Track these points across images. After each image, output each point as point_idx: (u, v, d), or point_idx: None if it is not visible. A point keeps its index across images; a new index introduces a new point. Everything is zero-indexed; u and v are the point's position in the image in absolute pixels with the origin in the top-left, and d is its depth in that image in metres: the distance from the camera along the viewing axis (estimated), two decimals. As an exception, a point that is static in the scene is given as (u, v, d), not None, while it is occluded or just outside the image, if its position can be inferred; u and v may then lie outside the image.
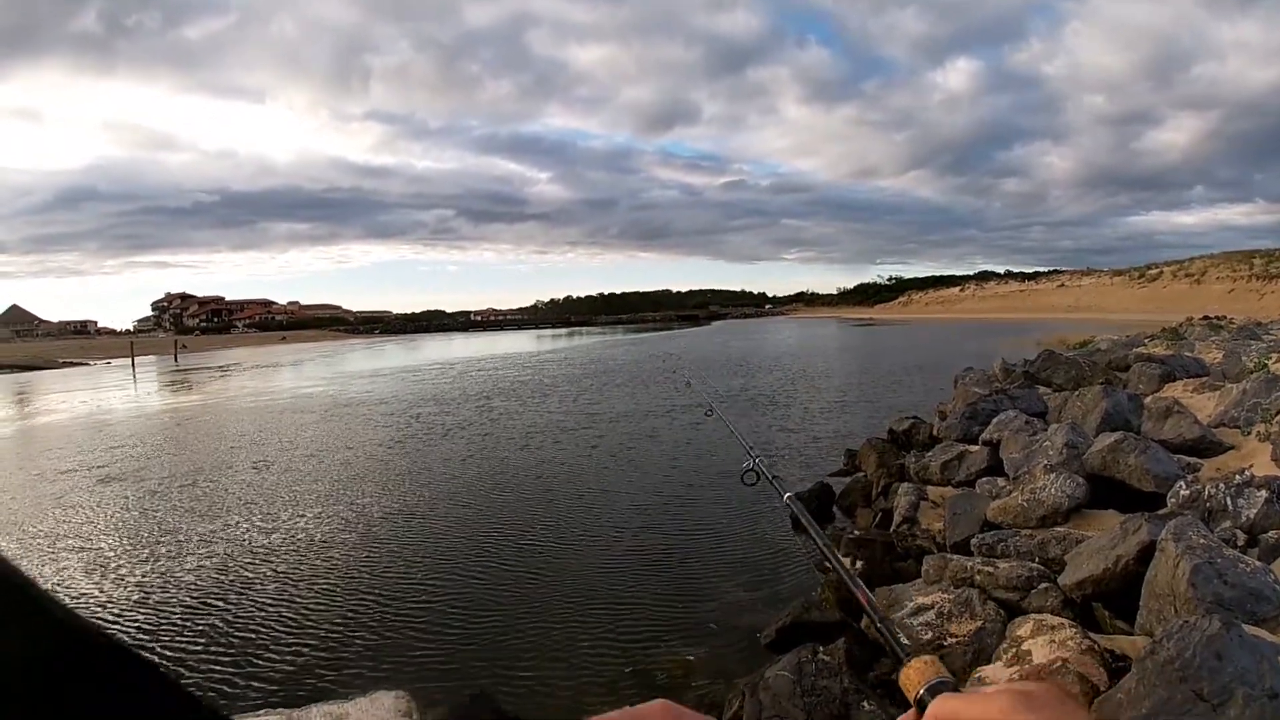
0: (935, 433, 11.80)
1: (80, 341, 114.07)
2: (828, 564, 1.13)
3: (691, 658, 6.34)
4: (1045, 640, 4.18)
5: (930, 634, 5.11)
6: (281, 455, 16.38)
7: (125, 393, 36.35)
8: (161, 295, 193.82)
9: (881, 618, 0.92)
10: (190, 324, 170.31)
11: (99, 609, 7.99)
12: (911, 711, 0.74)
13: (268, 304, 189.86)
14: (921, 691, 0.75)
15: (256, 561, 9.32)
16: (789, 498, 1.46)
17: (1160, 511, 5.76)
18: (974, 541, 6.58)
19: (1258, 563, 4.27)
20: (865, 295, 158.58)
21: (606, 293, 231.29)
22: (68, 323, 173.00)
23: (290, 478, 14.04)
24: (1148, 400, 9.30)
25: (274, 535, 10.36)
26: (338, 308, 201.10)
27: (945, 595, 5.42)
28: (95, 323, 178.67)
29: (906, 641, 0.85)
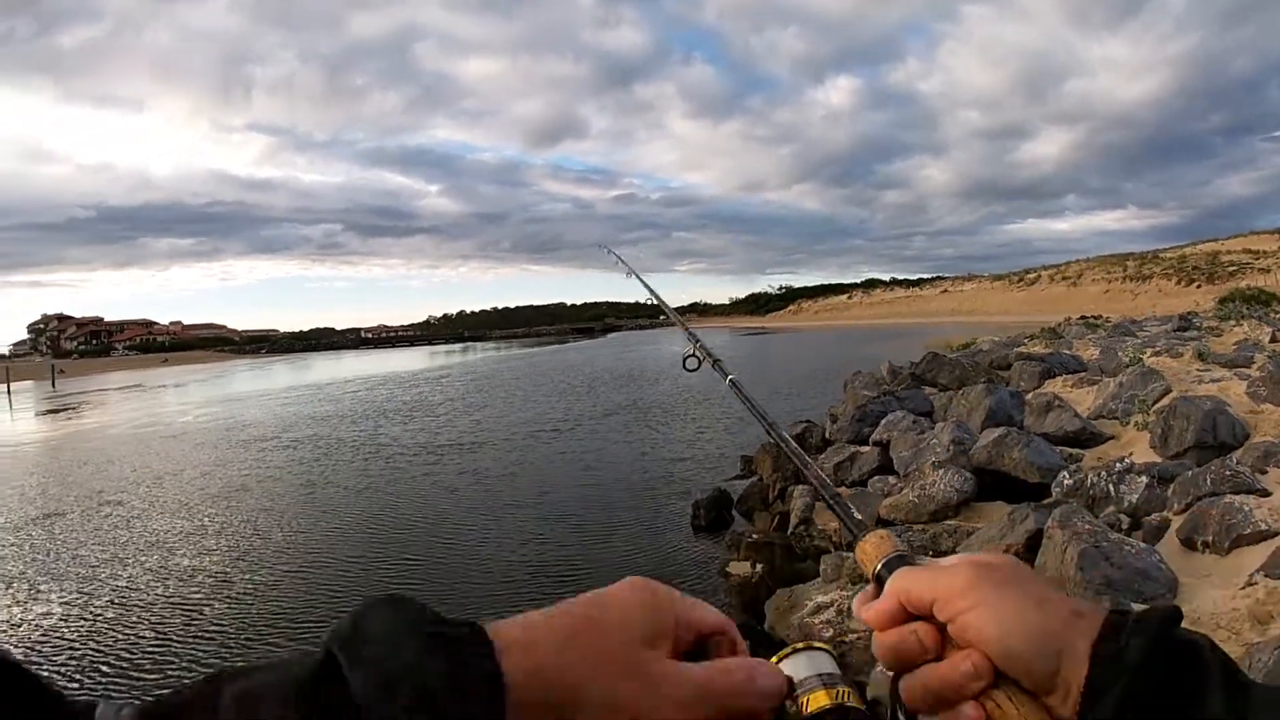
0: (827, 435, 11.92)
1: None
2: (771, 437, 1.04)
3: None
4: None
5: (831, 630, 5.10)
6: (166, 488, 15.73)
7: (1, 421, 34.59)
8: (37, 317, 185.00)
9: (833, 495, 0.86)
10: (68, 347, 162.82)
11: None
12: (870, 587, 0.70)
13: (149, 325, 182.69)
14: (879, 566, 0.71)
15: (152, 593, 8.89)
16: (730, 380, 1.41)
17: (1046, 501, 5.90)
18: (869, 539, 6.62)
19: (1142, 544, 4.38)
20: (757, 305, 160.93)
21: (501, 307, 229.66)
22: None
23: (176, 509, 13.49)
24: (1029, 396, 9.57)
25: (166, 568, 9.90)
26: (223, 327, 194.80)
27: (844, 593, 5.43)
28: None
29: (860, 518, 0.79)
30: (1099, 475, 5.90)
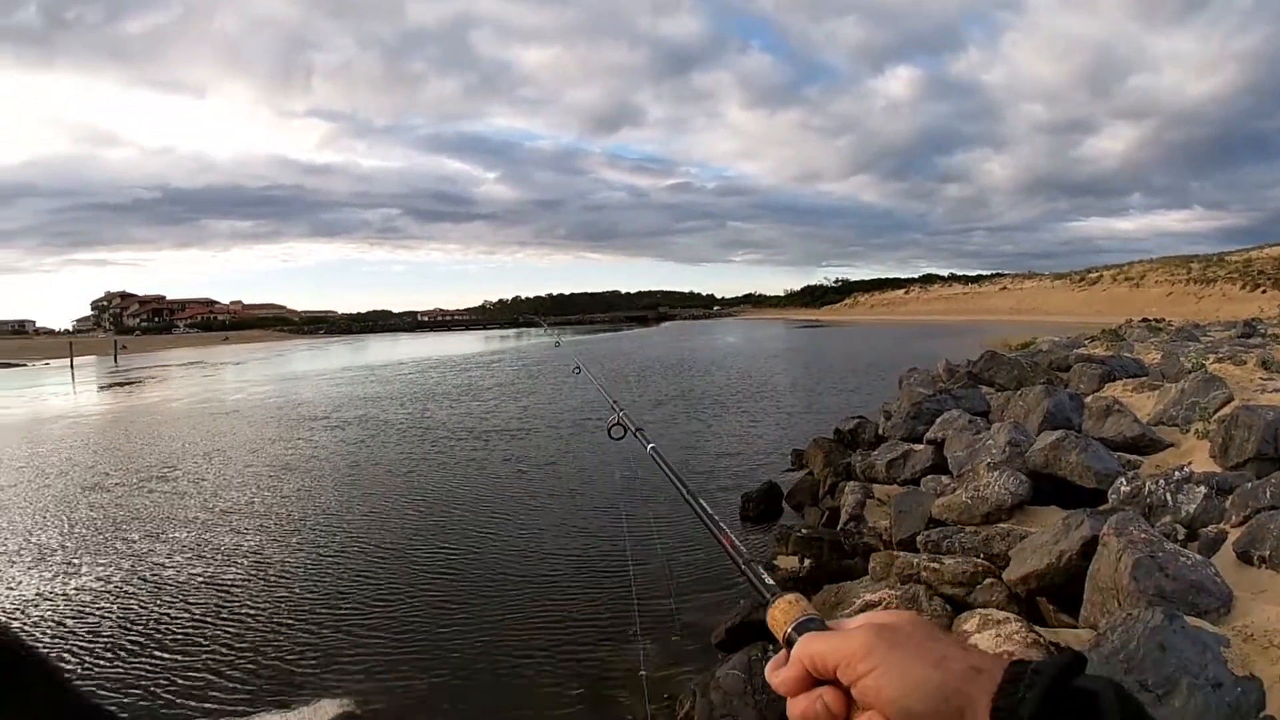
0: (881, 432, 11.87)
1: (18, 341, 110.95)
2: (689, 505, 1.10)
3: (642, 659, 6.28)
4: (991, 634, 4.20)
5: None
6: (213, 464, 16.10)
7: (63, 394, 35.58)
8: (101, 294, 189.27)
9: (745, 560, 0.92)
10: (130, 324, 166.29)
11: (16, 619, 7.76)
12: (783, 652, 0.73)
13: (210, 303, 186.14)
14: (789, 630, 0.74)
15: (190, 571, 9.10)
16: (651, 449, 1.47)
17: (1102, 507, 5.84)
18: (920, 538, 6.62)
19: (1198, 556, 4.33)
20: (812, 297, 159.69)
21: (555, 293, 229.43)
22: (5, 322, 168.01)
23: (226, 486, 13.81)
24: (1088, 399, 9.44)
25: (206, 546, 10.13)
26: (282, 307, 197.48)
27: (892, 592, 5.43)
28: (34, 322, 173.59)
29: (772, 582, 0.84)
30: (1157, 483, 5.82)
